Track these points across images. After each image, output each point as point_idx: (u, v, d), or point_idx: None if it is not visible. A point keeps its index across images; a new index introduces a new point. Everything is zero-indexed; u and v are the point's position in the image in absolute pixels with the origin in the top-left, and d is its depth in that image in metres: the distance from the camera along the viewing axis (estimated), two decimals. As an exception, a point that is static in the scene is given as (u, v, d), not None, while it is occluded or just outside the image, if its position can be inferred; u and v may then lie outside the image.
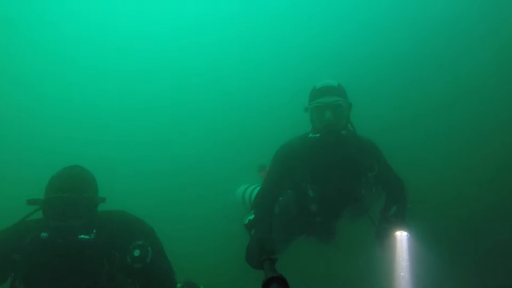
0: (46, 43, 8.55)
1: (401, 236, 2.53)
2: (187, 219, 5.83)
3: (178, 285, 2.51)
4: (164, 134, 7.73)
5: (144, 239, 2.17)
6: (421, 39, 7.26)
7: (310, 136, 2.82)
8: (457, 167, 5.44)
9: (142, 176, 6.92)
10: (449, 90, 6.61)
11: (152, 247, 2.17)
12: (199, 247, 5.22)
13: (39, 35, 8.53)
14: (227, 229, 4.44)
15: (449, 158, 5.72)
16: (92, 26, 8.81)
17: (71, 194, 2.03)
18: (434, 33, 7.17)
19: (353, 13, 8.17)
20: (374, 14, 7.96)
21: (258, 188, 3.37)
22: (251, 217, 2.44)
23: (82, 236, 2.02)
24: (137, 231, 2.23)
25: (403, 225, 2.62)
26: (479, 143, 5.57)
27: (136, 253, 2.11)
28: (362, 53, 7.68)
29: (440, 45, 7.11)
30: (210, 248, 5.15)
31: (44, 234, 2.01)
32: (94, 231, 2.06)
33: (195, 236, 5.47)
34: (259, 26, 8.73)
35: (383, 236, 2.60)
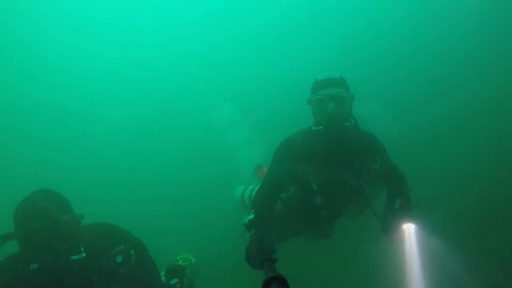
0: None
1: (409, 229, 2.48)
2: (185, 218, 5.78)
3: (163, 272, 2.57)
4: (159, 132, 7.64)
5: (125, 244, 2.19)
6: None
7: (313, 129, 2.80)
8: (469, 165, 5.36)
9: (138, 176, 6.84)
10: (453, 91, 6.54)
11: (134, 249, 2.20)
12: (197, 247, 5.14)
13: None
14: (226, 228, 4.37)
15: (458, 156, 5.63)
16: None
17: (50, 221, 1.98)
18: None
19: (353, 12, 8.14)
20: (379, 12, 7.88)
21: (258, 187, 3.32)
22: (251, 216, 2.42)
23: (74, 257, 2.00)
24: (117, 237, 2.24)
25: (409, 218, 2.57)
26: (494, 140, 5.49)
27: (119, 259, 2.14)
28: (361, 52, 7.63)
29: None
30: (208, 249, 5.07)
31: (33, 266, 1.93)
32: (82, 248, 2.05)
33: (193, 235, 5.40)
34: (250, 22, 8.64)
35: (389, 230, 2.56)
